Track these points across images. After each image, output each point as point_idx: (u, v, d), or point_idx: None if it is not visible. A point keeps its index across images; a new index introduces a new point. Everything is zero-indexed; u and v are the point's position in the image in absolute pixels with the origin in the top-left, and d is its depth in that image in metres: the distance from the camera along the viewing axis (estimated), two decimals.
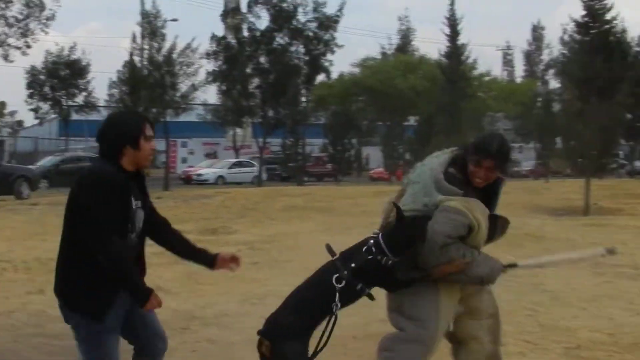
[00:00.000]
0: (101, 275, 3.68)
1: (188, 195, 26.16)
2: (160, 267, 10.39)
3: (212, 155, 60.52)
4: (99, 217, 3.58)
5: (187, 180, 44.89)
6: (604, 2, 22.88)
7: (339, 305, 4.02)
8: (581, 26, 23.13)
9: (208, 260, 4.32)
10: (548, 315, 7.49)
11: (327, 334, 4.09)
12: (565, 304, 8.01)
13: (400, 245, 3.99)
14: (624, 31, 41.99)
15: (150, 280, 9.45)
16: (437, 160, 4.36)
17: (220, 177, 45.28)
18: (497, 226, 4.38)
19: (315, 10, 43.14)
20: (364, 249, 4.11)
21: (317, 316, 4.11)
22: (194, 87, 37.80)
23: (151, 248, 12.46)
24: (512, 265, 4.46)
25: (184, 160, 57.95)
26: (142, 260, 4.13)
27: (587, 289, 8.86)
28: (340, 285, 4.03)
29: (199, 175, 45.49)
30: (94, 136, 4.00)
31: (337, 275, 4.06)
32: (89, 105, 52.73)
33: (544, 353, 5.76)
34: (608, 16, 22.64)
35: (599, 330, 6.92)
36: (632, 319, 7.40)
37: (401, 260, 4.01)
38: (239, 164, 48.49)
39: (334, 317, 4.08)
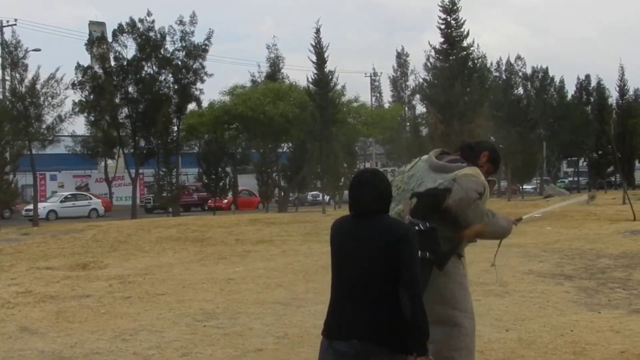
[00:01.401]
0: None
1: (58, 230, 25.35)
2: (27, 306, 10.05)
3: (83, 187, 58.94)
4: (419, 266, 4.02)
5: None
6: (461, 29, 23.85)
7: None
8: (440, 53, 24.00)
9: None
10: None
11: None
12: None
13: (428, 209, 4.71)
14: (483, 57, 43.96)
15: (16, 320, 9.20)
16: (425, 161, 5.16)
17: (52, 211, 42.68)
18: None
19: (183, 39, 42.91)
20: None
21: None
22: (60, 119, 36.63)
23: (16, 287, 12.01)
24: (519, 220, 5.34)
25: (54, 194, 55.98)
26: None
27: None
28: None
29: (28, 210, 41.15)
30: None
31: None
32: None
33: None
34: (465, 43, 23.59)
35: None
36: (500, 335, 7.70)
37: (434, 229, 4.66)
38: (73, 198, 46.26)
39: None
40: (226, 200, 47.72)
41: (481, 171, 5.08)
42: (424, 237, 4.58)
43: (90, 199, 46.79)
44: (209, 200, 47.22)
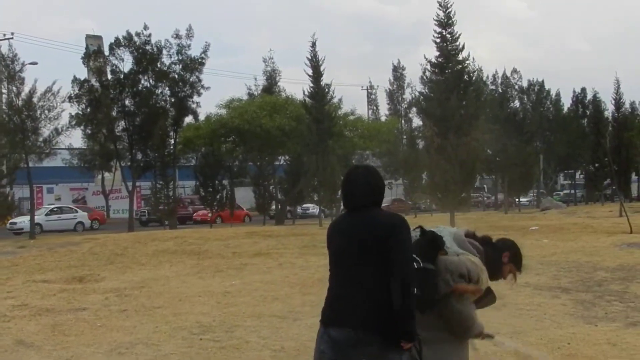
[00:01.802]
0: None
1: (55, 243, 25.33)
2: (23, 320, 10.02)
3: (80, 200, 58.91)
4: (411, 256, 4.12)
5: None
6: (456, 43, 23.90)
7: None
8: (436, 66, 24.05)
9: None
10: None
11: None
12: None
13: (426, 251, 4.44)
14: (479, 70, 44.11)
15: (12, 333, 9.17)
16: (452, 229, 4.95)
17: (37, 224, 39.51)
18: (488, 297, 4.99)
19: (179, 52, 43.02)
20: None
21: None
22: (57, 132, 36.67)
23: (12, 300, 11.98)
24: (489, 336, 5.05)
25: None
26: None
27: None
28: None
29: (13, 224, 40.94)
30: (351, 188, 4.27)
31: None
32: None
33: None
34: (460, 57, 23.65)
35: None
36: (496, 348, 7.67)
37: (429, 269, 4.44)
38: (58, 211, 45.13)
39: None
40: (210, 213, 47.55)
41: (503, 271, 5.04)
42: (419, 275, 4.42)
43: (76, 212, 45.90)
44: (194, 214, 46.99)
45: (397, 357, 4.05)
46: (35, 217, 42.15)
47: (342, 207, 4.62)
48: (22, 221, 41.13)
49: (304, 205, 53.74)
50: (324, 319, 4.14)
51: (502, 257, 5.04)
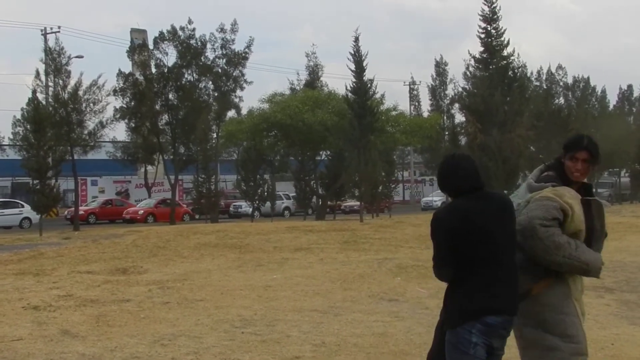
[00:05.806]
0: None
1: (99, 235, 25.67)
2: (68, 310, 10.19)
3: (123, 192, 59.59)
4: None
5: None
6: (501, 39, 23.66)
7: None
8: (480, 62, 23.85)
9: None
10: None
11: None
12: None
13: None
14: (523, 66, 43.75)
15: (58, 323, 9.33)
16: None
17: None
18: (592, 209, 4.69)
19: (223, 47, 43.29)
20: None
21: None
22: (101, 125, 37.21)
23: (58, 291, 12.17)
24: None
25: (95, 199, 56.50)
26: None
27: None
28: None
29: None
30: None
31: None
32: None
33: None
34: (505, 52, 23.41)
35: None
36: None
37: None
38: (3, 205, 41.35)
39: None
40: (142, 211, 46.32)
41: (575, 171, 4.63)
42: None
43: (22, 206, 41.09)
44: (124, 212, 45.72)
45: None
46: None
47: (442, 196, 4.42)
48: None
49: (235, 204, 50.96)
50: (482, 310, 4.14)
51: (566, 162, 4.69)
